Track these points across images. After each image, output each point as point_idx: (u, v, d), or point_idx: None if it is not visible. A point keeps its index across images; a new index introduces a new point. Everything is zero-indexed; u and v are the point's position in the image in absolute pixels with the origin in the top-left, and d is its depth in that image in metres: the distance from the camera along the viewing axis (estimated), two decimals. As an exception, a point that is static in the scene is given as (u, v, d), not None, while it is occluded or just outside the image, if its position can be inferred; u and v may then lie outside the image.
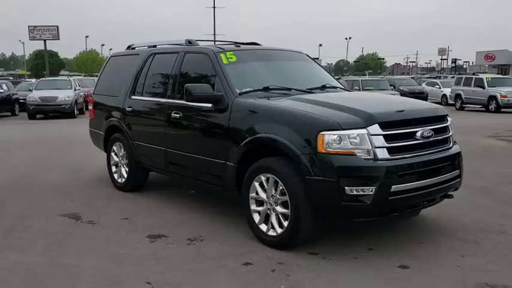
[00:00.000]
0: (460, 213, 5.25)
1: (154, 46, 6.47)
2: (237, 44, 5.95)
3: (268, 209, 4.36)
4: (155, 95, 5.87)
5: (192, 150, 5.19)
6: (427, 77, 44.93)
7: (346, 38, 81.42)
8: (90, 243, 4.58)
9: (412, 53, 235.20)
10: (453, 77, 38.98)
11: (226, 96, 4.79)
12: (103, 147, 6.98)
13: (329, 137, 3.89)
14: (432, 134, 4.25)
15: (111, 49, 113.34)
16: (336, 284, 3.65)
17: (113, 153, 6.71)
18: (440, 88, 28.04)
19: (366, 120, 3.96)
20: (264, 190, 4.38)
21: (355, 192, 3.84)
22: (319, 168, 3.90)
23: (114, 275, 3.85)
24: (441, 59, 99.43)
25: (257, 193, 4.44)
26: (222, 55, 5.16)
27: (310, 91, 5.11)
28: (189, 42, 5.82)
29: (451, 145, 4.53)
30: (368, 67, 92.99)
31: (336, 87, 5.53)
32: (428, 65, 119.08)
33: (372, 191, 3.83)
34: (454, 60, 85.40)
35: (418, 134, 4.16)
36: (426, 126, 4.24)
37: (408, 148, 4.09)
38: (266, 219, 4.42)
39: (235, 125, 4.65)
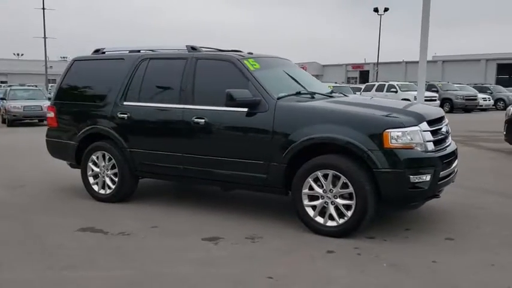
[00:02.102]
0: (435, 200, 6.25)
1: (138, 51, 6.32)
2: (226, 50, 6.19)
3: (325, 202, 4.80)
4: (162, 101, 5.76)
5: (223, 154, 5.29)
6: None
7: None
8: (154, 252, 4.43)
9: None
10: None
11: (265, 100, 5.08)
12: (74, 158, 6.48)
13: (394, 134, 4.53)
14: (449, 130, 5.21)
15: None
16: (418, 255, 4.28)
17: (91, 163, 6.30)
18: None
19: (418, 118, 4.72)
20: (318, 185, 4.81)
21: (416, 180, 4.55)
22: (387, 161, 4.51)
23: (226, 275, 3.90)
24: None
25: (310, 188, 4.85)
26: (246, 62, 5.41)
27: (329, 95, 5.69)
28: (192, 48, 5.88)
29: (451, 140, 5.54)
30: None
31: (336, 92, 6.20)
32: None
33: (428, 178, 4.59)
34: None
35: (444, 129, 5.07)
36: (443, 124, 5.17)
37: (440, 141, 4.95)
38: (320, 212, 4.85)
39: (282, 128, 4.96)
